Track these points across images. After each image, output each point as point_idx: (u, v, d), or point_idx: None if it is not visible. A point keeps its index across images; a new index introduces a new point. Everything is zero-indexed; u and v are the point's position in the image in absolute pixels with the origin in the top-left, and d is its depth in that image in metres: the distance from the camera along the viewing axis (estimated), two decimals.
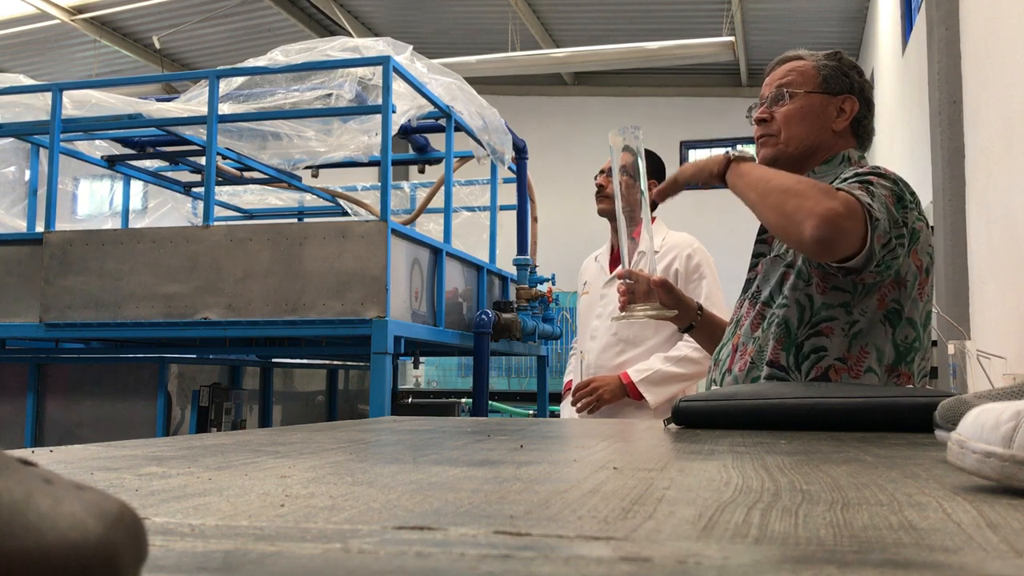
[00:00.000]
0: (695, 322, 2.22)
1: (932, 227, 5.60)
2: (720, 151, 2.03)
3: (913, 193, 1.81)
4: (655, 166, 3.17)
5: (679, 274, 3.00)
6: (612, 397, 2.93)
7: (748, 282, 2.01)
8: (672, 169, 2.28)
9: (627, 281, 2.04)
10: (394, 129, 3.84)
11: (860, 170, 1.80)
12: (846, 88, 1.96)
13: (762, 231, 2.03)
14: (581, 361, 3.10)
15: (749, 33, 11.61)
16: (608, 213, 2.95)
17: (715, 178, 1.88)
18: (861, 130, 1.98)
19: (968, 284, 5.31)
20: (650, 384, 2.91)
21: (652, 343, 2.99)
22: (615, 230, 2.93)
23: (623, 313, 2.05)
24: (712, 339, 2.21)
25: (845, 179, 1.78)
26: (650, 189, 3.09)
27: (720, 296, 2.98)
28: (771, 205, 1.73)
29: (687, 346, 2.90)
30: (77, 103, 4.10)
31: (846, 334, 1.80)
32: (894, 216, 1.71)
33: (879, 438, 1.19)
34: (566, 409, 3.23)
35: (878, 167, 1.82)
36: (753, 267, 2.01)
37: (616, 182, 1.99)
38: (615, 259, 3.10)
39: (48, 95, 4.04)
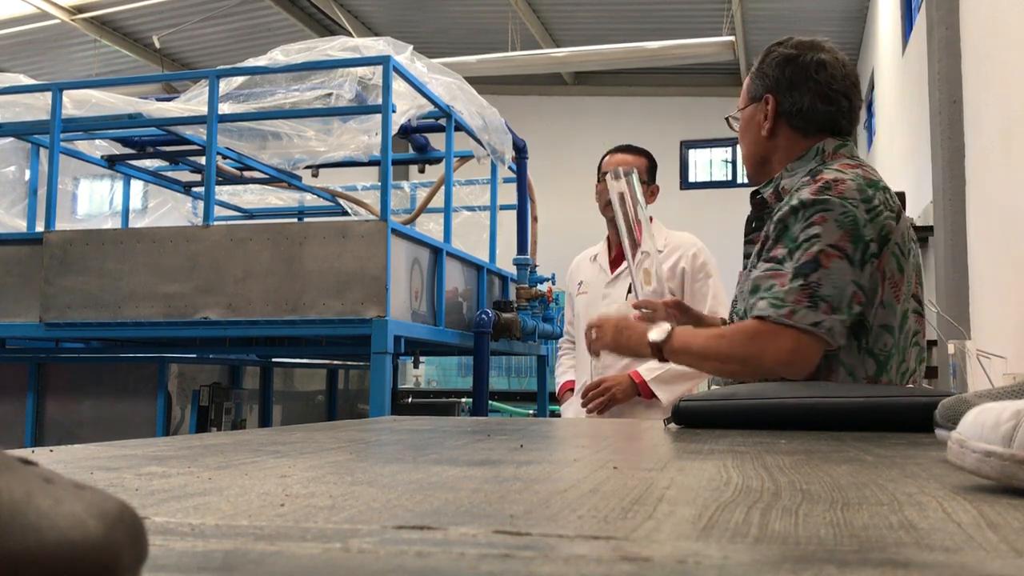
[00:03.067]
0: None
1: (932, 227, 5.62)
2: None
3: (873, 184, 1.68)
4: (650, 167, 3.17)
5: (686, 273, 2.99)
6: (624, 396, 2.92)
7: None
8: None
9: (644, 311, 2.04)
10: (394, 129, 3.84)
11: (797, 236, 1.65)
12: (763, 89, 1.87)
13: (748, 231, 1.98)
14: (591, 361, 3.08)
15: (749, 33, 11.61)
16: (609, 214, 2.96)
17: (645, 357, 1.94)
18: (799, 121, 1.81)
19: (968, 284, 5.30)
20: (662, 383, 2.90)
21: None
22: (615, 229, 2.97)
23: None
24: None
25: (771, 263, 1.67)
26: (652, 194, 3.13)
27: (725, 295, 2.98)
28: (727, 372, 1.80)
29: None
30: (77, 103, 4.11)
31: None
32: (850, 279, 1.61)
33: (879, 438, 1.19)
34: (568, 410, 3.21)
35: (827, 191, 1.65)
36: (745, 268, 1.99)
37: (620, 214, 2.09)
38: (616, 259, 3.09)
39: (48, 95, 4.04)
